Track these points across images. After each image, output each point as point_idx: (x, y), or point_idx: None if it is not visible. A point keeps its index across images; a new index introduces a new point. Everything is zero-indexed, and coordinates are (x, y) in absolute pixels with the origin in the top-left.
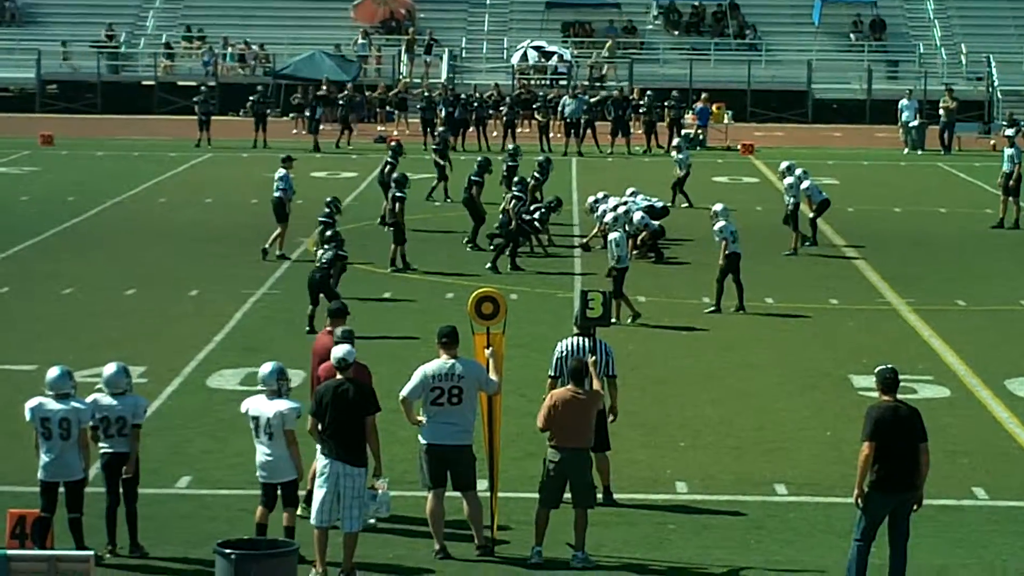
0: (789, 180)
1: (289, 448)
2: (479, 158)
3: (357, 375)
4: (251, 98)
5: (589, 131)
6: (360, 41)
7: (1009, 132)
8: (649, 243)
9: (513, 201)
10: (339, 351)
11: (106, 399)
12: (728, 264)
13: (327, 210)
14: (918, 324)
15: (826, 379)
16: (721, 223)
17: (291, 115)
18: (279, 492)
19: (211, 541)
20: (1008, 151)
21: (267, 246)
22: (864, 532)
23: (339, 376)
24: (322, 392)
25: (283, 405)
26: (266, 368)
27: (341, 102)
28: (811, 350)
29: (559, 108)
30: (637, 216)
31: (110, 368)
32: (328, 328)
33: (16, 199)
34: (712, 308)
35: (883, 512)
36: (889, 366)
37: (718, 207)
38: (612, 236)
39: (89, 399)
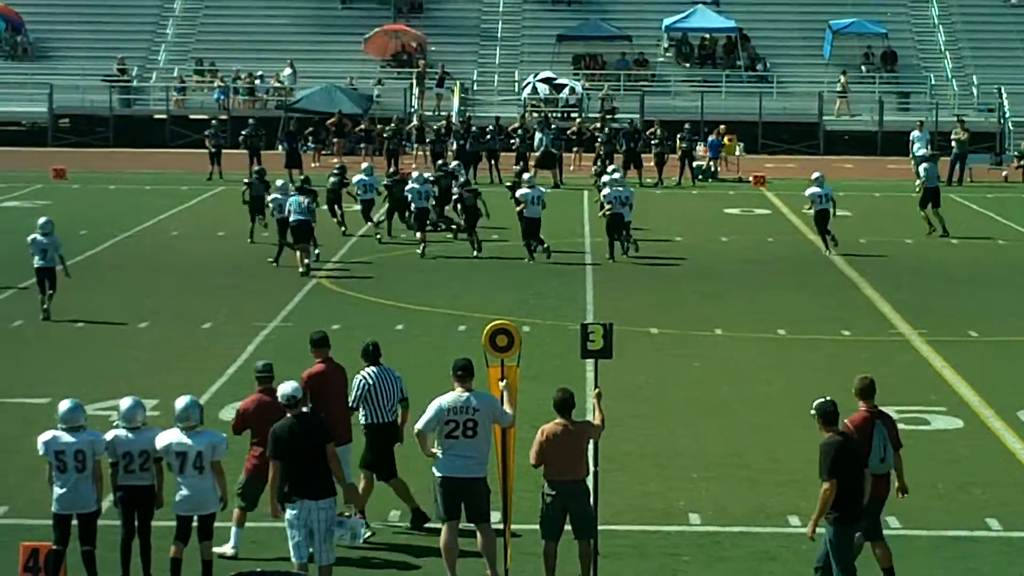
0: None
1: (217, 479)
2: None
3: (334, 375)
4: (243, 132)
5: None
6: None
7: None
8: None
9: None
10: (287, 388)
11: (127, 434)
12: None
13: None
14: (931, 355)
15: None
16: (607, 191)
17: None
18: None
19: (223, 573)
20: None
21: (300, 268)
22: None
23: (289, 414)
24: (278, 433)
25: (213, 437)
26: (182, 402)
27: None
28: (824, 381)
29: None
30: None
31: (126, 402)
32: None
33: (29, 233)
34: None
35: (853, 538)
36: (828, 398)
37: (614, 175)
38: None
39: (109, 435)
